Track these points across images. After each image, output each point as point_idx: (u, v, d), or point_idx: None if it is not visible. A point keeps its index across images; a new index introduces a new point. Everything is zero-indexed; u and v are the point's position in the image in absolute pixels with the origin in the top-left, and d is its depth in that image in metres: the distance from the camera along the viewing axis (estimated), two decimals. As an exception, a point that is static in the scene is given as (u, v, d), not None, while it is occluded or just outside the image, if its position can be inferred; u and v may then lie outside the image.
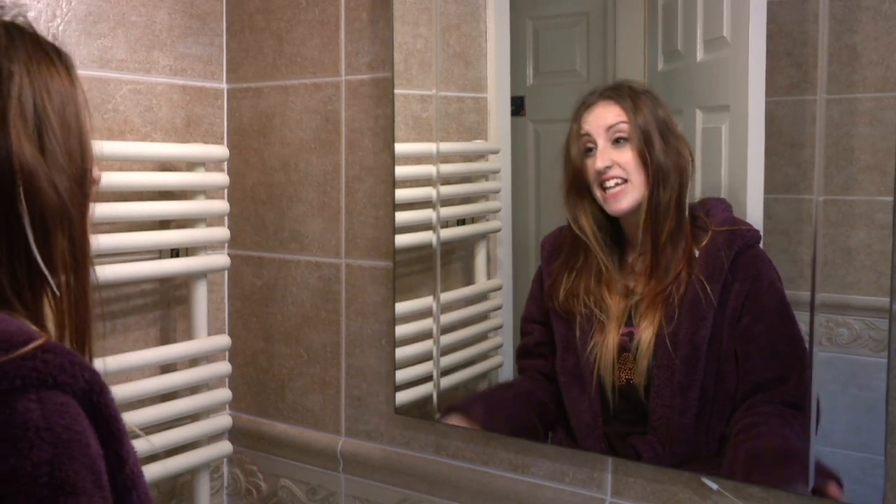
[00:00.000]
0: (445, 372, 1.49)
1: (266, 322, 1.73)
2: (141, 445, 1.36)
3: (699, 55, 1.26)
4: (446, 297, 1.48)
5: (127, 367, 1.44)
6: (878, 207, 1.11)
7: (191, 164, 1.59)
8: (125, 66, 1.55)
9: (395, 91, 1.51)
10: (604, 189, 1.28)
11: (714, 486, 1.24)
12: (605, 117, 1.28)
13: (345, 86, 1.60)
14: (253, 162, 1.72)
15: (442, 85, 1.46)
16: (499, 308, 1.51)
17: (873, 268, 1.12)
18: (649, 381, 1.27)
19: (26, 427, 0.66)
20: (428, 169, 1.48)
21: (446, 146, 1.47)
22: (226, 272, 1.76)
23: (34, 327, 0.75)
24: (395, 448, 1.56)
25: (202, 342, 1.61)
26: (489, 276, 1.52)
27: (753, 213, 1.21)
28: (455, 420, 1.47)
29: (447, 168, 1.48)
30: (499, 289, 1.50)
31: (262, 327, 1.73)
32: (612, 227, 1.32)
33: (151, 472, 1.46)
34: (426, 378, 1.51)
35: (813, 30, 1.13)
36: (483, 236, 1.51)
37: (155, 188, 1.54)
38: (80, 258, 0.81)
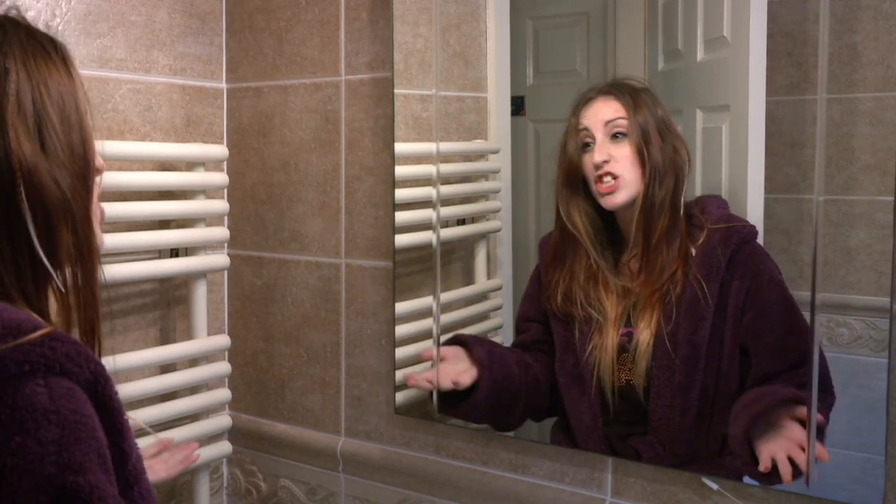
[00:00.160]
0: (445, 372, 1.49)
1: (266, 322, 1.73)
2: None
3: (699, 55, 1.26)
4: (446, 297, 1.48)
5: (127, 367, 1.44)
6: (878, 207, 1.11)
7: (190, 164, 1.59)
8: (125, 66, 1.55)
9: (395, 91, 1.50)
10: (601, 183, 1.28)
11: (714, 486, 1.24)
12: (604, 112, 1.28)
13: (345, 85, 1.59)
14: (253, 162, 1.72)
15: (442, 85, 1.46)
16: (499, 308, 1.51)
17: (874, 268, 1.12)
18: (649, 382, 1.26)
19: (34, 409, 0.67)
20: (428, 169, 1.47)
21: (446, 146, 1.47)
22: (225, 272, 1.76)
23: (40, 318, 0.76)
24: (395, 448, 1.56)
25: (202, 342, 1.61)
26: (489, 276, 1.51)
27: (754, 212, 1.20)
28: (453, 352, 1.41)
29: (447, 168, 1.48)
30: (499, 289, 1.50)
31: (262, 327, 1.73)
32: (607, 226, 1.32)
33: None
34: (426, 378, 1.50)
35: (813, 29, 1.13)
36: (483, 236, 1.51)
37: (154, 188, 1.54)
38: (87, 252, 0.81)
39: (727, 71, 1.25)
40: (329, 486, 1.64)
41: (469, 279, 1.53)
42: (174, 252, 1.59)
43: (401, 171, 1.51)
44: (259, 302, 1.73)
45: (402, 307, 1.53)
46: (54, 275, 0.78)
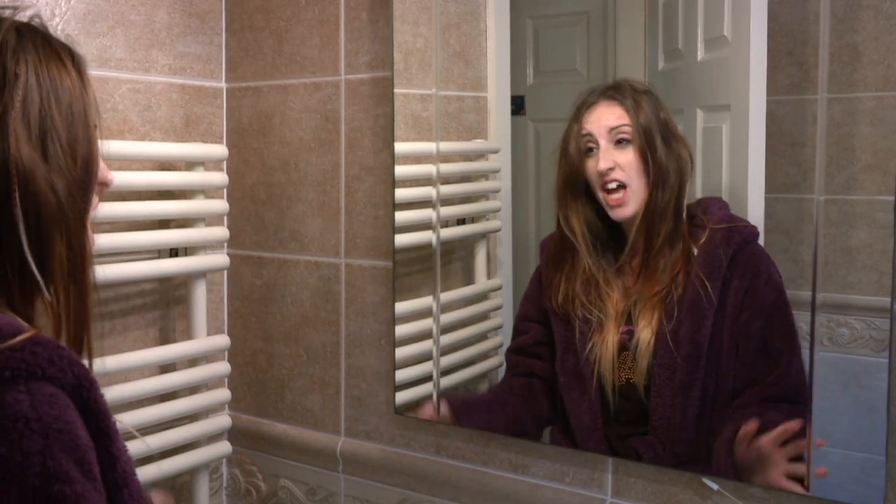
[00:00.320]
0: (445, 372, 1.49)
1: (265, 322, 1.72)
2: (137, 446, 1.36)
3: (700, 54, 1.26)
4: (446, 296, 1.48)
5: (126, 367, 1.44)
6: (878, 207, 1.11)
7: (190, 164, 1.59)
8: (124, 66, 1.54)
9: (395, 90, 1.50)
10: (607, 192, 1.27)
11: (714, 486, 1.24)
12: (608, 118, 1.27)
13: (344, 85, 1.59)
14: (252, 161, 1.72)
15: (442, 84, 1.46)
16: (499, 308, 1.51)
17: (874, 267, 1.12)
18: (650, 381, 1.26)
19: (16, 418, 0.66)
20: (428, 168, 1.47)
21: (446, 145, 1.47)
22: (225, 272, 1.76)
23: (24, 322, 0.75)
24: (395, 448, 1.56)
25: (201, 342, 1.61)
26: (489, 275, 1.51)
27: (754, 212, 1.20)
28: (429, 411, 1.48)
29: (447, 167, 1.48)
30: (499, 289, 1.50)
31: (262, 327, 1.73)
32: (608, 227, 1.31)
33: (150, 472, 1.46)
34: (426, 378, 1.50)
35: (814, 29, 1.13)
36: (483, 236, 1.50)
37: (154, 188, 1.54)
38: (80, 264, 0.80)
39: (728, 70, 1.25)
40: (329, 486, 1.64)
41: (469, 279, 1.53)
42: (174, 252, 1.59)
43: (401, 170, 1.51)
44: (259, 302, 1.73)
45: (401, 307, 1.53)
46: (42, 283, 0.76)
